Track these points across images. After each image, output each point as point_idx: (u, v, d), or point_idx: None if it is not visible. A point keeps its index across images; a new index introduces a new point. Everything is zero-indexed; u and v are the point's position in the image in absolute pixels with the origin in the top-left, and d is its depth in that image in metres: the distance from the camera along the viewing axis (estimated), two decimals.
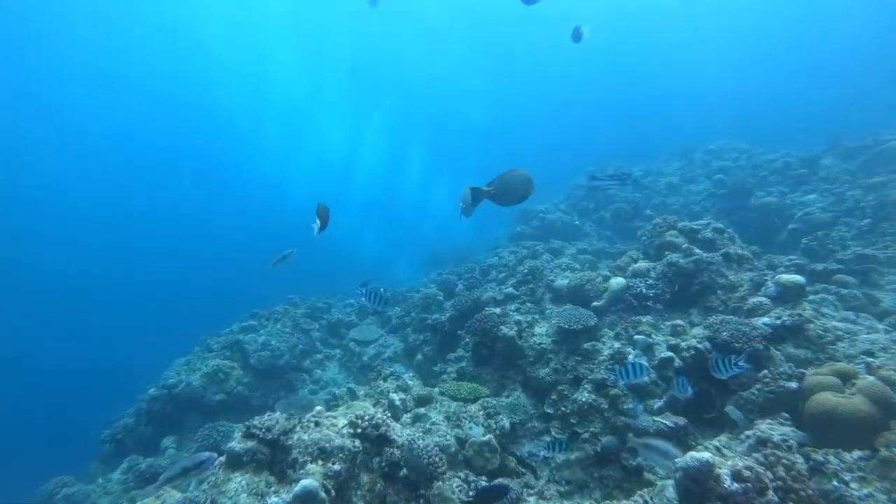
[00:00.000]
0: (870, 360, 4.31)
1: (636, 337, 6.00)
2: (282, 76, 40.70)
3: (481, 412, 5.80)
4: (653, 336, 6.05)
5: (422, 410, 5.52)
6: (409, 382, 6.26)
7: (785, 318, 5.41)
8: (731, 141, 15.96)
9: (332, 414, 5.61)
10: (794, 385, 4.44)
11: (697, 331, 5.86)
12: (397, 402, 5.70)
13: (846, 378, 3.94)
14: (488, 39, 39.72)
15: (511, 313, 7.66)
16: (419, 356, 9.60)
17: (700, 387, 5.52)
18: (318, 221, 5.41)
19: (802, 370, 4.64)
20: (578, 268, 9.19)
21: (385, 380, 6.57)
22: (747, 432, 4.26)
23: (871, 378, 3.67)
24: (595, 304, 6.77)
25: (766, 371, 4.77)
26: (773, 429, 4.04)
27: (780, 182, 12.31)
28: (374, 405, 6.18)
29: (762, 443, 3.99)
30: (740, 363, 4.32)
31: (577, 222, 14.03)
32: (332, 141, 39.97)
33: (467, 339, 8.16)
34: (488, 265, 11.27)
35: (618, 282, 6.75)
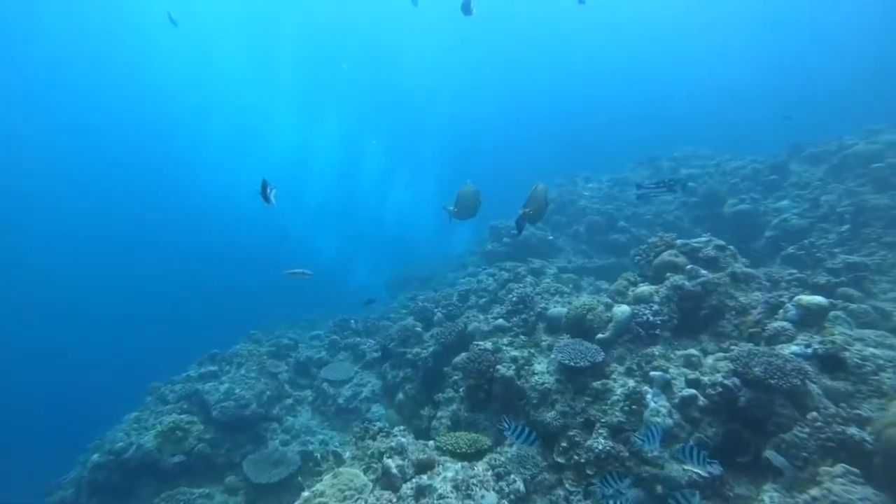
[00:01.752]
0: None
1: (652, 374, 5.44)
2: (228, 72, 39.10)
3: (490, 472, 5.08)
4: (669, 370, 5.51)
5: (425, 480, 4.74)
6: (403, 441, 5.46)
7: (816, 346, 4.96)
8: (694, 148, 15.98)
9: (320, 492, 4.78)
10: (855, 432, 3.94)
11: (720, 364, 5.34)
12: (394, 470, 4.90)
13: None
14: (456, 36, 39.32)
15: (504, 348, 7.01)
16: (400, 395, 8.84)
17: (731, 427, 5.01)
18: (273, 189, 5.60)
19: (858, 411, 4.16)
20: (567, 291, 8.64)
21: (374, 438, 5.75)
22: (812, 492, 3.72)
23: None
24: (600, 336, 6.17)
25: (815, 413, 4.26)
26: (848, 490, 3.50)
27: (752, 189, 12.23)
28: (366, 471, 5.37)
29: None
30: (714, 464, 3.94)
31: (550, 237, 13.58)
32: (283, 141, 38.75)
33: (455, 377, 7.48)
34: (466, 290, 10.59)
35: (623, 310, 6.18)
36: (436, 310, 10.19)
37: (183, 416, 8.46)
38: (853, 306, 6.51)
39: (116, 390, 11.21)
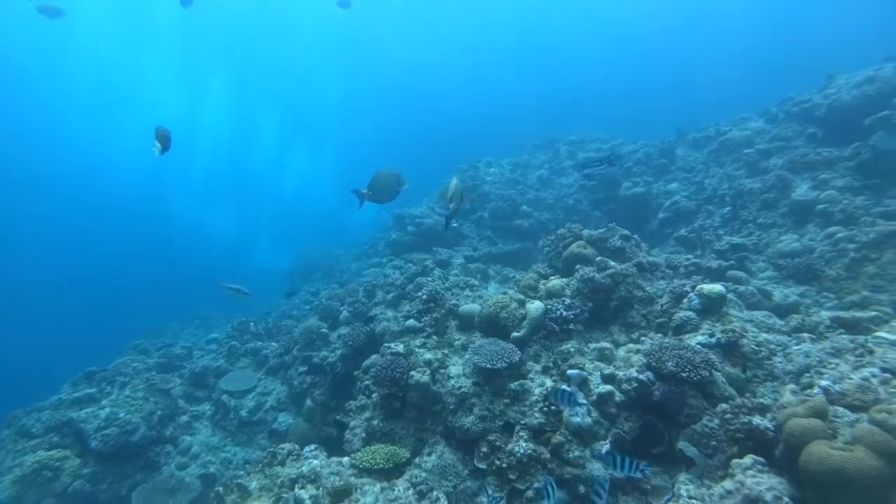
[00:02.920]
0: (825, 384, 4.12)
1: (569, 372, 5.42)
2: (90, 37, 34.74)
3: (411, 491, 4.82)
4: (585, 366, 5.52)
5: None
6: (315, 463, 5.03)
7: (719, 336, 5.16)
8: (589, 132, 16.51)
9: None
10: (759, 422, 4.11)
11: (634, 358, 5.43)
12: (308, 503, 4.48)
13: (822, 415, 3.65)
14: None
15: (417, 350, 6.74)
16: (309, 402, 8.33)
17: (646, 420, 5.11)
18: (157, 144, 5.32)
19: (760, 401, 4.35)
20: (476, 284, 8.51)
21: (283, 464, 5.26)
22: (726, 485, 3.83)
23: (867, 425, 3.38)
24: (515, 334, 6.08)
25: (724, 405, 4.41)
26: (759, 482, 3.63)
27: (644, 172, 12.83)
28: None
29: (752, 503, 3.56)
30: (644, 469, 3.93)
31: (454, 224, 13.42)
32: (162, 112, 35.41)
33: (366, 382, 7.14)
34: (373, 285, 10.16)
35: (536, 307, 6.13)
36: (342, 308, 9.71)
37: (52, 452, 7.32)
38: (741, 288, 6.95)
39: None
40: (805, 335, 5.21)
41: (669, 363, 4.79)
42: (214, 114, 37.48)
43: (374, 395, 6.60)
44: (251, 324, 11.10)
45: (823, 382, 4.16)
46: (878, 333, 4.66)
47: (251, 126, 39.67)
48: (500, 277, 10.17)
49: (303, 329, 9.27)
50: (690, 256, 7.70)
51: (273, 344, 10.28)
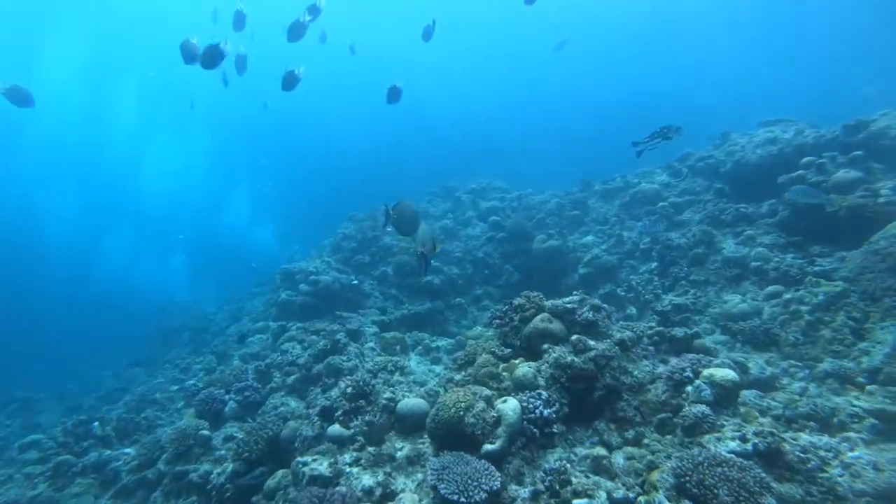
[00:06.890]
0: None
1: (575, 502, 4.02)
2: None
3: None
4: (590, 491, 4.16)
5: None
6: None
7: (755, 441, 4.12)
8: (489, 180, 15.80)
9: None
10: None
11: (654, 477, 4.16)
12: None
13: None
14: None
15: (349, 471, 4.94)
16: None
17: None
18: None
19: None
20: (408, 366, 6.91)
21: None
22: None
23: None
24: (488, 447, 4.56)
25: None
26: None
27: (558, 224, 12.25)
28: None
29: None
30: None
31: (355, 282, 11.70)
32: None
33: None
34: (267, 364, 8.05)
35: (513, 408, 4.70)
36: (227, 397, 7.49)
37: None
38: (716, 362, 6.15)
39: None
40: (853, 436, 4.34)
41: (722, 491, 3.59)
42: (56, 77, 32.33)
43: None
44: (95, 424, 8.23)
45: None
46: None
47: (103, 97, 34.76)
48: (420, 348, 8.65)
49: (174, 432, 6.85)
50: (653, 325, 6.86)
51: (128, 451, 7.61)
